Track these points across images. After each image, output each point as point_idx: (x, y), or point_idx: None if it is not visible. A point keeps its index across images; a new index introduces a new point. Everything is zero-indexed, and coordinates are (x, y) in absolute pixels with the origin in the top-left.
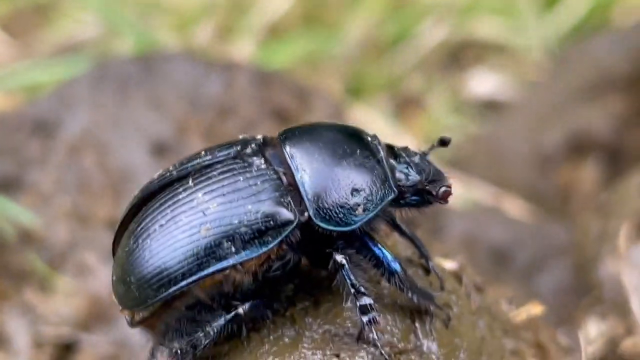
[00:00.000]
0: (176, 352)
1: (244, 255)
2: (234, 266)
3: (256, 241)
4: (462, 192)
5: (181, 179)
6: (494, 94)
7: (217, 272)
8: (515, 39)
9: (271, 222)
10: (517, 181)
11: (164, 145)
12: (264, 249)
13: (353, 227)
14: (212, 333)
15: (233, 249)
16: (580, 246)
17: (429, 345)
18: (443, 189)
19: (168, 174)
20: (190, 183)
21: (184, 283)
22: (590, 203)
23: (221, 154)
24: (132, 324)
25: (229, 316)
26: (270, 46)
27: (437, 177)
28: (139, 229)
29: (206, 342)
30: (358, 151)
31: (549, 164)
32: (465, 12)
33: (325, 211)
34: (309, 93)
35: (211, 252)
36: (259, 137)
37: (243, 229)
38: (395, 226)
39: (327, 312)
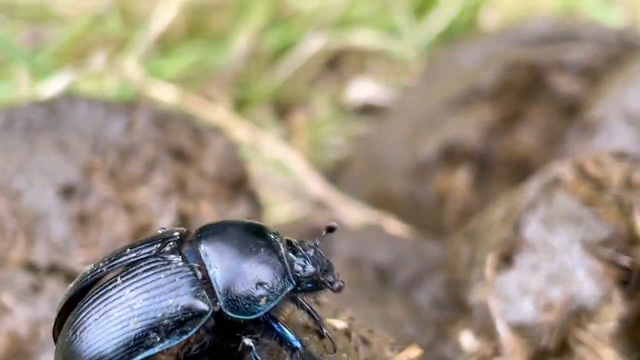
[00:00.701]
0: None
1: (167, 344)
2: (160, 352)
3: (177, 330)
4: (348, 212)
5: (110, 276)
6: (372, 99)
7: (145, 358)
8: (391, 45)
9: (189, 314)
10: (396, 188)
11: (72, 188)
12: (184, 337)
13: (257, 315)
14: None
15: (158, 339)
16: (452, 266)
17: None
18: (337, 284)
19: (98, 270)
20: (119, 280)
21: None
22: (461, 224)
23: (144, 251)
24: None
25: None
26: (156, 61)
27: (329, 268)
28: (76, 322)
29: None
30: (262, 249)
31: (424, 172)
32: (343, 21)
33: (233, 302)
34: (204, 132)
35: (140, 342)
36: (176, 233)
37: (166, 321)
38: (294, 300)
39: None
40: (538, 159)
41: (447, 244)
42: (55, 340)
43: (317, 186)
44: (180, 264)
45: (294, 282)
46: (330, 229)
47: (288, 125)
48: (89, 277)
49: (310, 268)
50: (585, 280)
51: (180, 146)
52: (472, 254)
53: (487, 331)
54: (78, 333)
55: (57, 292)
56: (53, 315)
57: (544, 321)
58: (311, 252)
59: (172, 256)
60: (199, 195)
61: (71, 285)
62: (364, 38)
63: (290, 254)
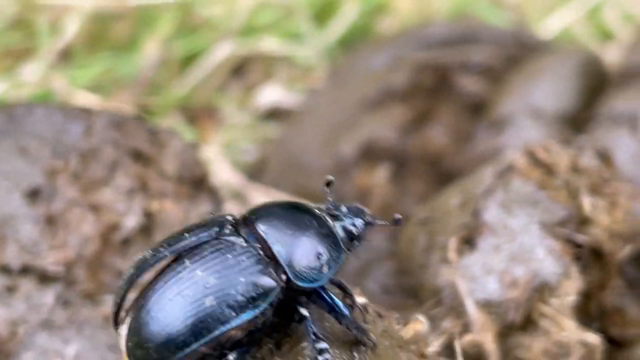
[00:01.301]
0: None
1: (242, 318)
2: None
3: (250, 305)
4: None
5: (177, 259)
6: (280, 103)
7: (222, 334)
8: (295, 51)
9: (260, 290)
10: (318, 186)
11: (37, 191)
12: (257, 311)
13: (321, 282)
14: None
15: (233, 314)
16: (406, 254)
17: None
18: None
19: (160, 254)
20: (188, 263)
21: (195, 346)
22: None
23: (203, 234)
24: None
25: None
26: (65, 70)
27: (366, 214)
28: (150, 303)
29: None
30: (315, 223)
31: (345, 170)
32: (248, 28)
33: (300, 274)
34: (160, 133)
35: (216, 318)
36: (229, 217)
37: (240, 297)
38: None
39: (289, 351)
40: (450, 156)
41: (397, 234)
42: (116, 325)
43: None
44: (244, 244)
45: (344, 249)
46: (329, 183)
47: (199, 130)
48: (150, 260)
49: (360, 222)
50: (545, 258)
51: (138, 148)
52: (430, 241)
53: (455, 310)
54: (153, 314)
55: (31, 292)
56: (113, 303)
57: (509, 298)
58: (344, 209)
59: (234, 238)
60: (162, 194)
61: (130, 269)
62: (269, 44)
63: (336, 222)
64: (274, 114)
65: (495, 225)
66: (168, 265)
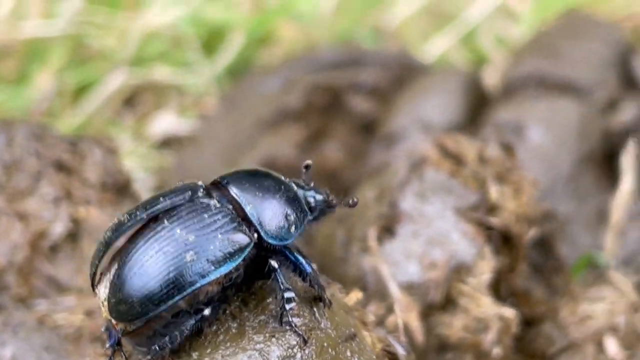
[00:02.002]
0: (157, 347)
1: (220, 271)
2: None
3: (227, 260)
4: None
5: (155, 219)
6: (173, 130)
7: (202, 286)
8: (185, 80)
9: (236, 245)
10: None
11: None
12: (233, 264)
13: (290, 240)
14: (185, 330)
15: (213, 268)
16: (326, 249)
17: (325, 322)
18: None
19: (137, 216)
20: (167, 222)
21: (176, 298)
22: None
23: (177, 198)
24: (124, 334)
25: (198, 317)
26: None
27: (330, 195)
28: (132, 260)
29: (181, 338)
30: (282, 188)
31: None
32: (139, 59)
33: (270, 232)
34: (80, 143)
35: (197, 272)
36: (200, 183)
37: (218, 252)
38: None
39: (255, 307)
40: (346, 170)
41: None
42: (94, 286)
43: None
44: (218, 205)
45: (308, 211)
46: (307, 167)
47: None
48: (128, 223)
49: (319, 197)
50: (460, 241)
51: (60, 158)
52: (349, 234)
53: (380, 293)
54: (135, 270)
55: None
56: (90, 264)
57: (429, 279)
58: (312, 185)
59: (207, 200)
60: (86, 201)
61: (107, 232)
62: (160, 73)
63: (301, 190)
64: (168, 142)
65: (412, 213)
66: (146, 226)
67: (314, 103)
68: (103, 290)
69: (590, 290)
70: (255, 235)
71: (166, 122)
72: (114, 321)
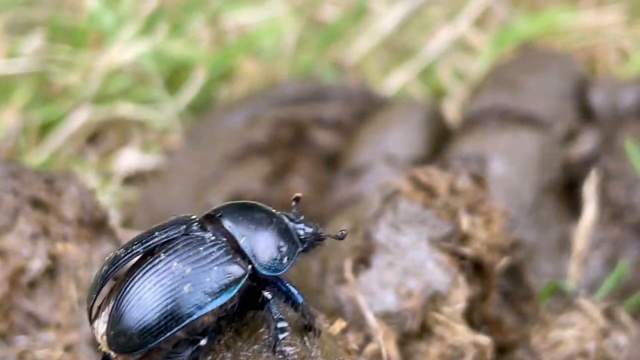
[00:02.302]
0: None
1: (217, 302)
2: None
3: (223, 292)
4: None
5: (151, 253)
6: (139, 166)
7: (199, 318)
8: (149, 116)
9: (231, 277)
10: None
11: None
12: (229, 296)
13: (283, 271)
14: None
15: (209, 299)
16: (300, 285)
17: (315, 351)
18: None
19: (133, 250)
20: (163, 256)
21: (176, 329)
22: None
23: (172, 232)
24: None
25: (195, 347)
26: None
27: (319, 228)
28: (130, 293)
29: None
30: (274, 220)
31: None
32: (104, 96)
33: (264, 263)
34: (56, 181)
35: (194, 304)
36: (194, 217)
37: (214, 284)
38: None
39: (249, 337)
40: (311, 204)
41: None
42: (92, 320)
43: None
44: (213, 238)
45: (299, 244)
46: (296, 199)
47: None
48: (124, 257)
49: (309, 229)
50: (435, 270)
51: (37, 196)
52: (324, 267)
53: (357, 323)
54: (134, 303)
55: None
56: (87, 298)
57: (405, 308)
58: (303, 218)
59: (202, 233)
60: (64, 238)
61: (104, 267)
62: (124, 109)
63: (291, 223)
64: (132, 179)
65: (387, 244)
66: (142, 260)
67: (279, 137)
68: (102, 324)
69: (560, 317)
70: (249, 266)
71: (130, 158)
72: (113, 354)
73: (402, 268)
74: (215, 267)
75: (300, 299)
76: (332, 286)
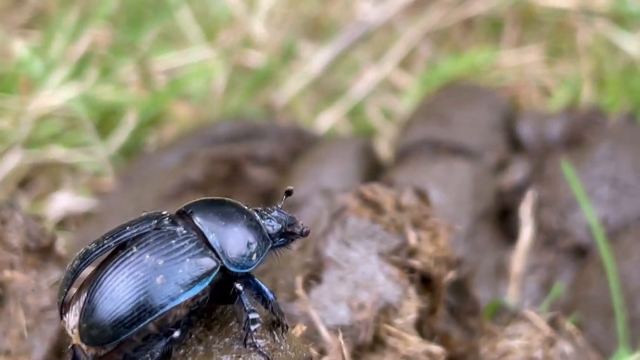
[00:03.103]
0: None
1: (189, 294)
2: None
3: (196, 283)
4: None
5: (123, 246)
6: (72, 209)
7: (171, 309)
8: (81, 159)
9: (203, 269)
10: None
11: None
12: (201, 288)
13: (252, 268)
14: (156, 353)
15: (181, 290)
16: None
17: (285, 345)
18: (305, 229)
19: (105, 245)
20: (135, 249)
21: (148, 320)
22: None
23: (143, 227)
24: (95, 358)
25: (167, 339)
26: None
27: (292, 222)
28: (103, 285)
29: None
30: (244, 217)
31: None
32: (36, 141)
33: (232, 260)
34: (2, 207)
35: (167, 295)
36: (165, 212)
37: (187, 276)
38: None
39: (220, 330)
40: None
41: None
42: (62, 314)
43: None
44: (184, 232)
45: (270, 240)
46: (288, 193)
47: None
48: (95, 252)
49: (276, 226)
50: (386, 282)
51: None
52: (273, 284)
53: (311, 338)
54: (107, 294)
55: None
56: (59, 292)
57: (358, 320)
58: (275, 214)
59: (173, 227)
60: (10, 266)
61: (75, 261)
62: (56, 153)
63: (261, 219)
64: (64, 222)
65: (337, 260)
66: (114, 254)
67: (215, 174)
68: (72, 317)
69: (507, 328)
70: (220, 261)
71: (62, 201)
72: (84, 347)
73: (353, 282)
74: (188, 259)
75: (271, 296)
76: (284, 304)
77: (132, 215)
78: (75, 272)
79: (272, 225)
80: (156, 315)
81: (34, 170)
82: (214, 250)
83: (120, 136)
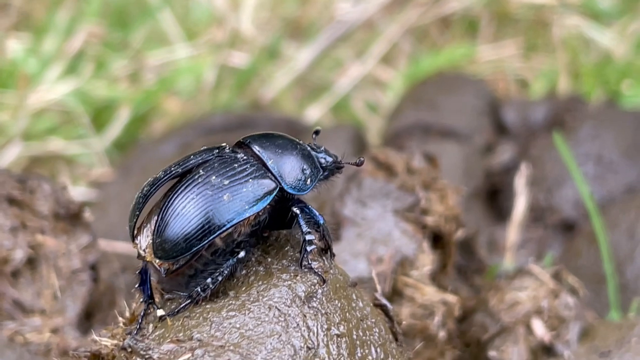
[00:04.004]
0: (199, 289)
1: (254, 210)
2: (246, 219)
3: (258, 201)
4: None
5: (190, 171)
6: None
7: (238, 223)
8: (78, 151)
9: (265, 189)
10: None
11: None
12: (263, 205)
13: (307, 191)
14: (225, 271)
15: (247, 207)
16: None
17: (334, 269)
18: (360, 159)
19: (172, 170)
20: (202, 172)
21: (217, 233)
22: None
23: (207, 155)
24: (167, 274)
25: (235, 258)
26: None
27: (338, 157)
28: (175, 203)
29: (222, 278)
30: (298, 147)
31: None
32: (32, 134)
33: (289, 182)
34: (29, 180)
35: (234, 210)
36: (223, 144)
37: (250, 194)
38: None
39: (276, 254)
40: None
41: None
42: (134, 237)
43: None
44: (245, 157)
45: (321, 169)
46: (317, 132)
47: None
48: (164, 178)
49: (328, 158)
50: (402, 237)
51: (11, 194)
52: None
53: None
54: (180, 210)
55: None
56: (130, 217)
57: (377, 272)
58: (323, 148)
59: (235, 154)
60: (41, 231)
61: (145, 187)
62: (55, 145)
63: (313, 151)
64: None
65: (354, 218)
66: (182, 178)
67: None
68: (144, 239)
69: (513, 282)
70: (279, 183)
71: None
72: (157, 262)
73: (371, 238)
74: (251, 180)
75: (321, 220)
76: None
77: (131, 204)
78: (146, 197)
79: (323, 158)
80: (224, 228)
81: (33, 163)
82: (272, 174)
83: (115, 129)
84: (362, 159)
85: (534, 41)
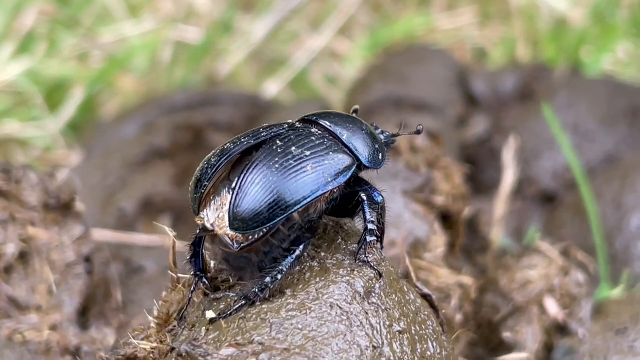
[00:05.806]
0: (259, 288)
1: (335, 183)
2: (328, 192)
3: (339, 175)
4: None
5: (265, 142)
6: None
7: (320, 195)
8: (34, 133)
9: (345, 162)
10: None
11: None
12: (344, 179)
13: (382, 165)
14: (284, 270)
15: (330, 179)
16: None
17: (385, 260)
18: (420, 126)
19: (242, 142)
20: (280, 143)
21: (303, 203)
22: None
23: (277, 129)
24: (241, 248)
25: (294, 255)
26: None
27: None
28: (256, 172)
29: (280, 277)
30: (362, 124)
31: (130, 226)
32: None
33: (366, 157)
34: (13, 171)
35: (318, 181)
36: (290, 120)
37: (332, 168)
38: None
39: (328, 249)
40: None
41: None
42: (198, 212)
43: None
44: (319, 132)
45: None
46: (355, 111)
47: None
48: (234, 150)
49: (387, 132)
50: (413, 220)
51: None
52: None
53: None
54: (262, 179)
55: None
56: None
57: (390, 256)
58: (375, 125)
59: (307, 129)
60: (31, 223)
61: (212, 158)
62: (9, 128)
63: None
64: None
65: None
66: (255, 149)
67: (179, 141)
68: (212, 212)
69: (522, 260)
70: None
71: None
72: (232, 234)
73: None
74: (331, 153)
75: (380, 199)
76: None
77: (98, 185)
78: (216, 167)
79: (382, 134)
80: (309, 199)
81: None
82: (349, 149)
83: (69, 110)
84: (420, 126)
85: (489, 9)
